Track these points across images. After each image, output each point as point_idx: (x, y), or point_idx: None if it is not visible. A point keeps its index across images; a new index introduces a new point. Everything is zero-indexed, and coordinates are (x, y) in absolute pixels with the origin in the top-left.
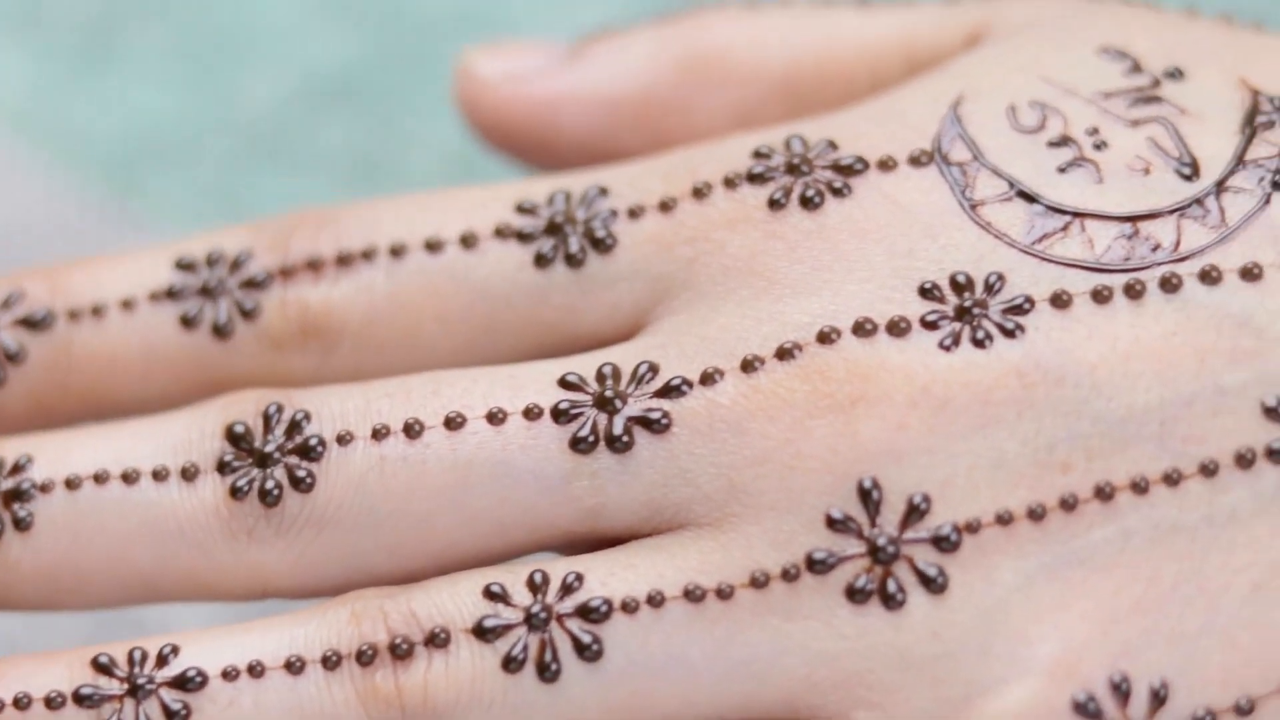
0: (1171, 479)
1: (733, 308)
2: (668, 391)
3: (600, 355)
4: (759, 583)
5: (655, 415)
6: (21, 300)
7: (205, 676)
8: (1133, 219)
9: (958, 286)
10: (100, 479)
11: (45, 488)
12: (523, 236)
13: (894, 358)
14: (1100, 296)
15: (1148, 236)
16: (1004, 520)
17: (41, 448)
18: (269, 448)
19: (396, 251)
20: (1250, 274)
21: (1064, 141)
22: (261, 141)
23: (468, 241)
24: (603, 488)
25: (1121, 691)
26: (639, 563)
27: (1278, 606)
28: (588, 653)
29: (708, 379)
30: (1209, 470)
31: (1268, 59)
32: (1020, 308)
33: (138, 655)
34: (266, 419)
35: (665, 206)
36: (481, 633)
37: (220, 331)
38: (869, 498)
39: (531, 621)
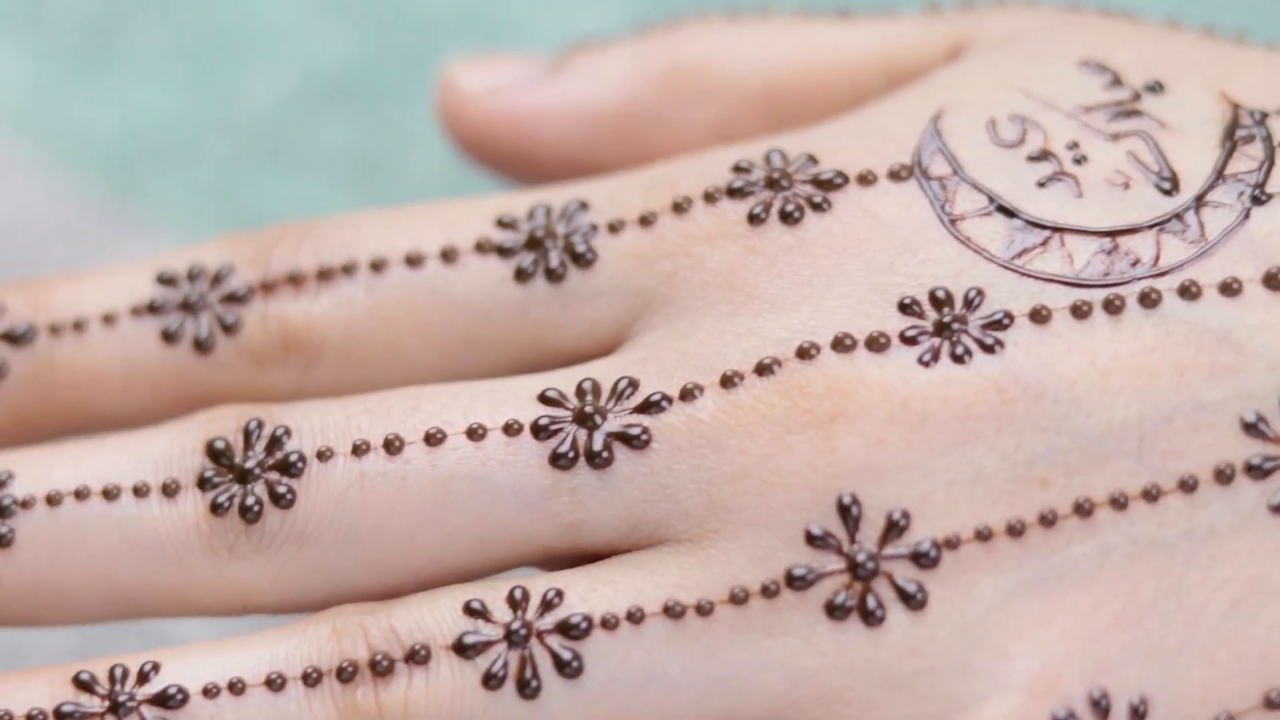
0: (1151, 495)
1: (712, 323)
2: (647, 407)
3: (580, 370)
4: (739, 599)
5: (635, 431)
6: (2, 315)
7: (186, 694)
8: (1112, 234)
9: (937, 302)
10: (81, 495)
11: (26, 504)
12: (503, 251)
13: (873, 373)
14: (1080, 312)
15: (1127, 251)
16: (983, 536)
17: (23, 464)
18: (249, 464)
19: (377, 266)
20: (1229, 289)
21: (1044, 156)
22: (261, 141)
23: (448, 256)
24: (582, 504)
25: (1101, 708)
26: (619, 579)
27: (1257, 622)
28: (568, 669)
29: (687, 395)
30: (1188, 486)
31: (1249, 71)
32: (999, 323)
33: (119, 672)
34: (247, 435)
35: (645, 221)
36: (462, 649)
37: (201, 346)
38: (848, 514)
39: (512, 638)
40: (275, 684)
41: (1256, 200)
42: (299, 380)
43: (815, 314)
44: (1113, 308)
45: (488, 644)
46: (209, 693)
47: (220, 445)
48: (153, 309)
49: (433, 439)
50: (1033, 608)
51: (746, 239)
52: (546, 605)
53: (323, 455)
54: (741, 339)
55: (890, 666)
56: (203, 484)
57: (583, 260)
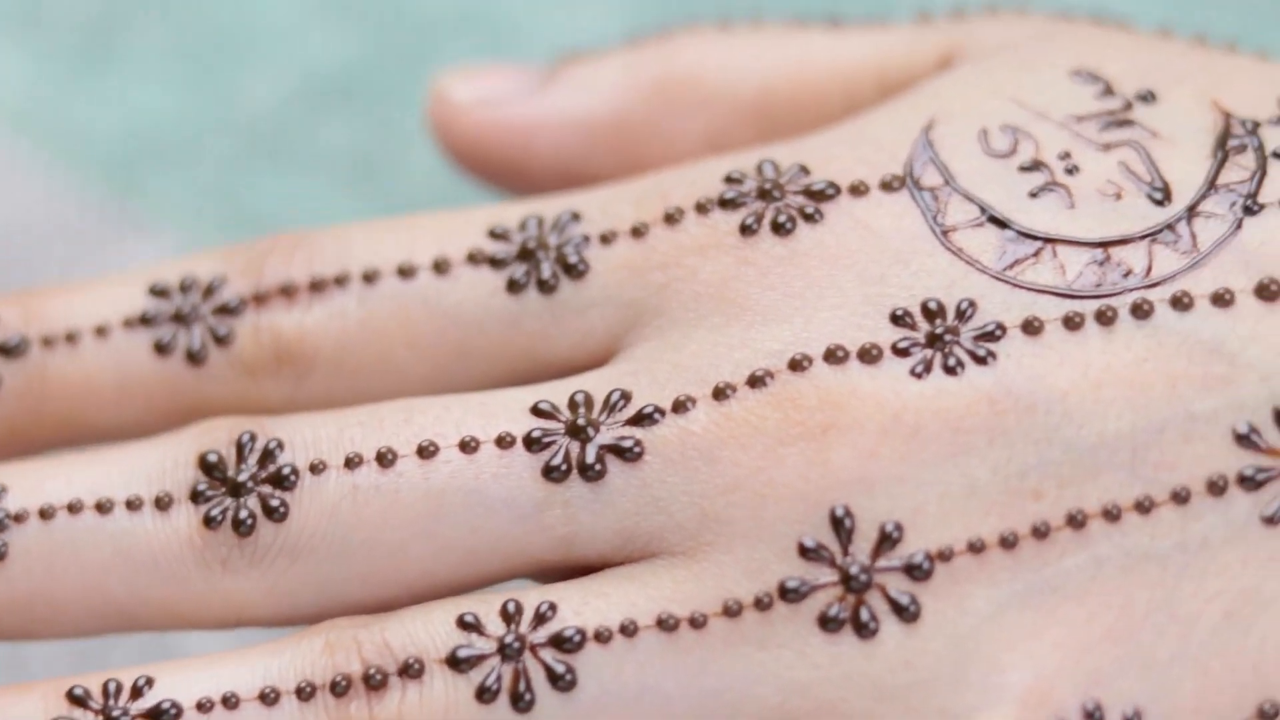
0: (1143, 506)
1: (704, 334)
2: (640, 419)
3: (573, 382)
4: (732, 612)
5: (628, 443)
6: None
7: (180, 708)
8: (1104, 244)
9: (929, 313)
10: (74, 509)
11: (19, 517)
12: (495, 262)
13: (865, 385)
14: (1072, 323)
15: (1119, 262)
16: (976, 548)
17: (15, 477)
18: (242, 477)
19: (369, 277)
20: (1222, 300)
21: (1036, 166)
22: (261, 141)
23: (440, 267)
24: (575, 516)
25: (1094, 719)
26: (612, 592)
27: (1250, 634)
28: (561, 683)
29: (680, 407)
30: (1181, 497)
31: (1241, 80)
32: (992, 334)
33: (112, 687)
34: (240, 448)
35: (637, 232)
36: (455, 663)
37: (194, 358)
38: (841, 526)
39: (505, 651)
40: (269, 698)
41: (1249, 210)
42: (292, 392)
43: (807, 325)
44: (1105, 319)
45: (481, 657)
46: (203, 707)
47: (213, 458)
48: (145, 320)
49: (425, 452)
50: (1026, 619)
51: (738, 250)
52: (540, 618)
53: (316, 468)
54: (734, 350)
55: (884, 679)
56: (196, 497)
57: (575, 271)
